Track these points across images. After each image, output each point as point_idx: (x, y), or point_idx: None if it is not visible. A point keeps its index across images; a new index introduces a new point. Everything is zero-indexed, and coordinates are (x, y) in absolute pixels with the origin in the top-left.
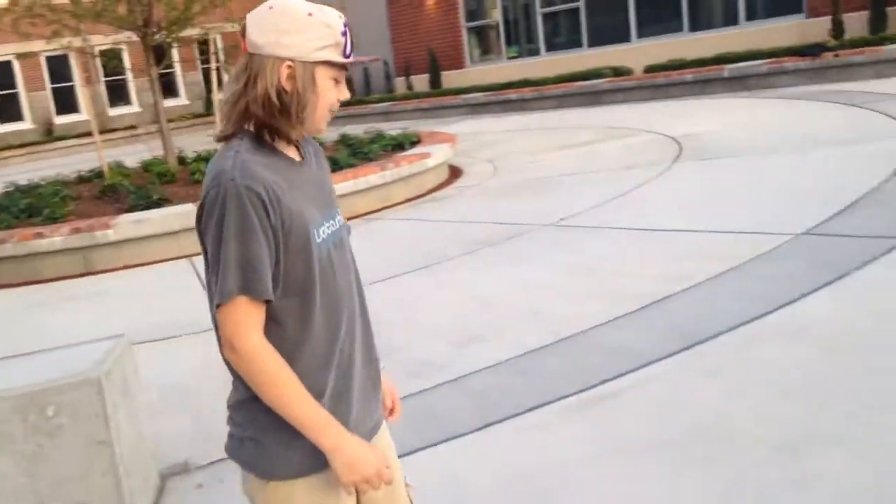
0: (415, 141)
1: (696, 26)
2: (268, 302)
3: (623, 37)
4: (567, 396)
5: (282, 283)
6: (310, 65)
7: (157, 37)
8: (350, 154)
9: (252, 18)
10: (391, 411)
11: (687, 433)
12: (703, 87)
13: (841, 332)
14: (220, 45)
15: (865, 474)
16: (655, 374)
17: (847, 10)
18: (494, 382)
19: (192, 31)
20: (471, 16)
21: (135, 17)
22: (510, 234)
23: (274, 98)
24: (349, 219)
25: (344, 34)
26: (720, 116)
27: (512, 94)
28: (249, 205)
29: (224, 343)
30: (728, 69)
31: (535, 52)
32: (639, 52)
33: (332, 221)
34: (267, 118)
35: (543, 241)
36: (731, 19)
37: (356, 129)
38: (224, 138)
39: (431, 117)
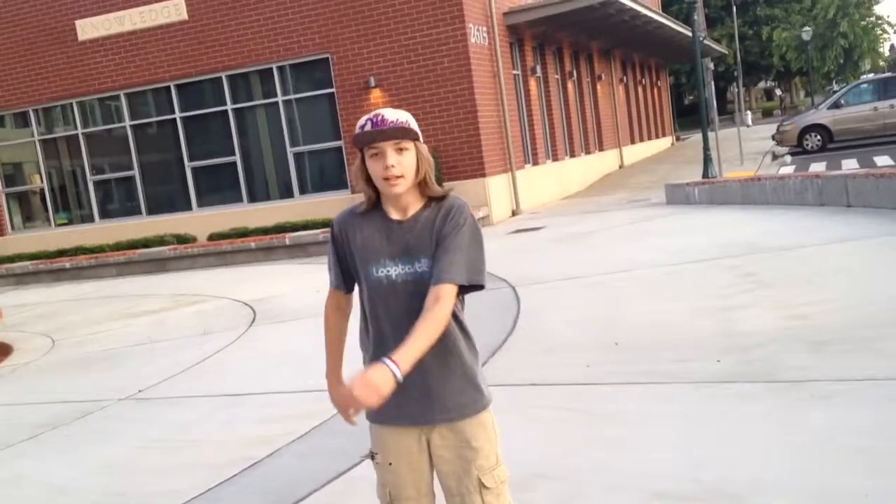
0: None
1: (254, 198)
2: (338, 289)
3: (184, 205)
4: None
5: (359, 283)
6: (358, 155)
7: None
8: None
9: None
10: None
11: None
12: (266, 253)
13: None
14: None
15: None
16: None
17: None
18: None
19: None
20: (9, 181)
21: None
22: (81, 412)
23: (356, 181)
24: None
25: (362, 126)
26: (288, 281)
27: (66, 262)
28: (332, 235)
29: None
30: (289, 237)
31: (89, 219)
32: (201, 221)
33: (403, 266)
34: (364, 192)
35: (122, 416)
36: (286, 193)
37: None
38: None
39: None
